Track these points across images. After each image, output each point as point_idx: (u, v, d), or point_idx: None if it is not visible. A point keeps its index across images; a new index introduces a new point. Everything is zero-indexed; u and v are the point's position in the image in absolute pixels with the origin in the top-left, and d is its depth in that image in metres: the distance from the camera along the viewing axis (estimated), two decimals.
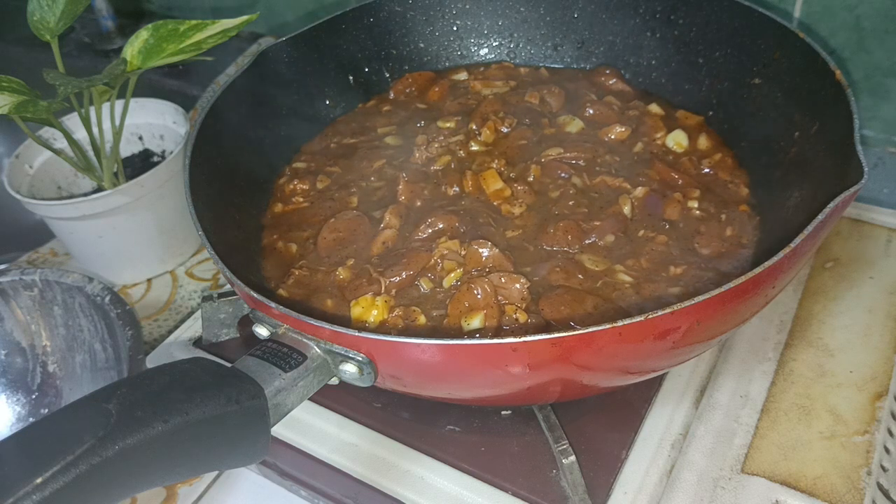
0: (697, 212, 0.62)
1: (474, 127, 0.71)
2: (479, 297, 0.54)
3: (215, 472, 0.60)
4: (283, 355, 0.45)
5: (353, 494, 0.55)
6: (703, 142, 0.69)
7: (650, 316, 0.40)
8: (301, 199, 0.69)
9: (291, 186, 0.69)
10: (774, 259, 0.43)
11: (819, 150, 0.57)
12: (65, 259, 0.84)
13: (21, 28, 0.72)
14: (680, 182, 0.64)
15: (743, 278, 0.42)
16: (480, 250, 0.57)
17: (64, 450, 0.34)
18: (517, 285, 0.55)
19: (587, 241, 0.59)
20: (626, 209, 0.61)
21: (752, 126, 0.67)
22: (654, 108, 0.73)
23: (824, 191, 0.48)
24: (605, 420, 0.56)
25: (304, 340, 0.46)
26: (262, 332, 0.48)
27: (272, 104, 0.73)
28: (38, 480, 0.32)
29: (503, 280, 0.55)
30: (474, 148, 0.70)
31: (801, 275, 0.66)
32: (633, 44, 0.78)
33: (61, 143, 0.77)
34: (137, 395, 0.37)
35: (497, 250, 0.57)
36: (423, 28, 0.82)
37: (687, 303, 0.41)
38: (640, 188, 0.63)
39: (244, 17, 0.69)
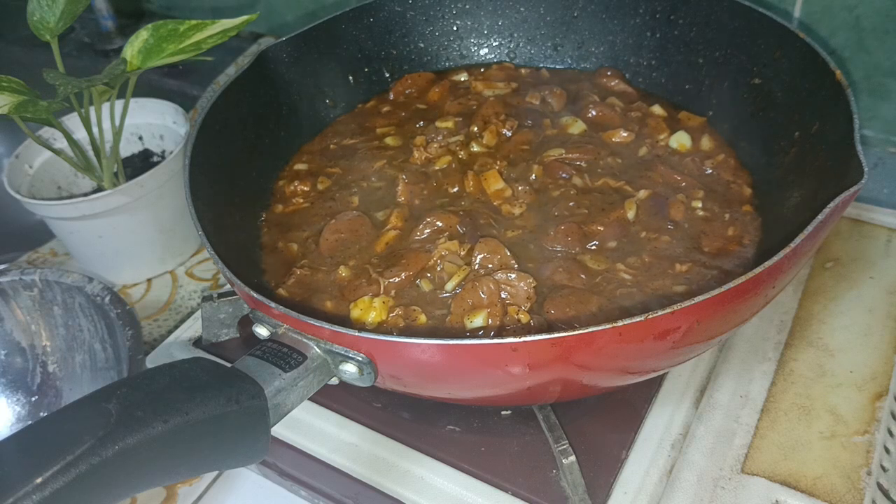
0: (701, 212, 0.62)
1: (476, 129, 0.71)
2: (482, 295, 0.54)
3: (215, 472, 0.60)
4: (283, 355, 0.45)
5: (353, 494, 0.55)
6: (706, 143, 0.69)
7: (650, 316, 0.40)
8: (301, 200, 0.68)
9: (292, 188, 0.69)
10: (774, 259, 0.43)
11: (819, 150, 0.57)
12: (65, 259, 0.84)
13: (21, 28, 0.72)
14: (683, 184, 0.64)
15: (743, 278, 0.42)
16: (485, 248, 0.57)
17: (64, 450, 0.34)
18: (523, 284, 0.55)
19: (589, 246, 0.59)
20: (631, 214, 0.61)
21: (752, 126, 0.67)
22: (657, 109, 0.73)
23: (824, 191, 0.48)
24: (605, 420, 0.56)
25: (304, 340, 0.45)
26: (262, 332, 0.48)
27: (272, 104, 0.73)
28: (38, 480, 0.32)
29: (511, 277, 0.55)
30: (475, 149, 0.70)
31: (802, 275, 0.66)
32: (633, 44, 0.78)
33: (61, 143, 0.77)
34: (137, 395, 0.37)
35: (504, 248, 0.57)
36: (423, 28, 0.82)
37: (687, 303, 0.41)
38: (643, 191, 0.63)
39: (244, 17, 0.69)
